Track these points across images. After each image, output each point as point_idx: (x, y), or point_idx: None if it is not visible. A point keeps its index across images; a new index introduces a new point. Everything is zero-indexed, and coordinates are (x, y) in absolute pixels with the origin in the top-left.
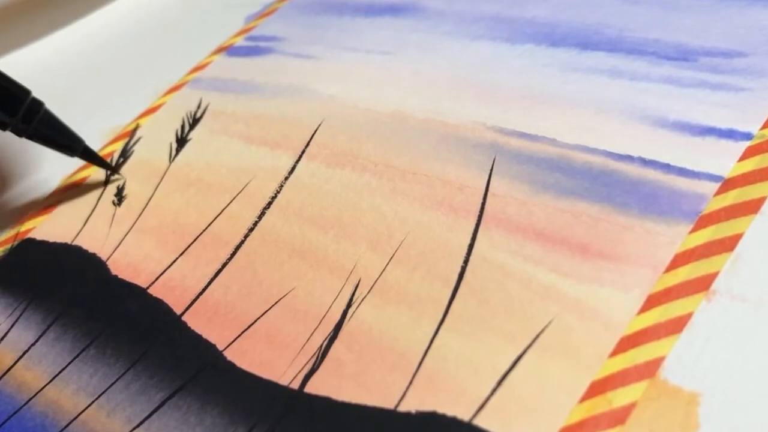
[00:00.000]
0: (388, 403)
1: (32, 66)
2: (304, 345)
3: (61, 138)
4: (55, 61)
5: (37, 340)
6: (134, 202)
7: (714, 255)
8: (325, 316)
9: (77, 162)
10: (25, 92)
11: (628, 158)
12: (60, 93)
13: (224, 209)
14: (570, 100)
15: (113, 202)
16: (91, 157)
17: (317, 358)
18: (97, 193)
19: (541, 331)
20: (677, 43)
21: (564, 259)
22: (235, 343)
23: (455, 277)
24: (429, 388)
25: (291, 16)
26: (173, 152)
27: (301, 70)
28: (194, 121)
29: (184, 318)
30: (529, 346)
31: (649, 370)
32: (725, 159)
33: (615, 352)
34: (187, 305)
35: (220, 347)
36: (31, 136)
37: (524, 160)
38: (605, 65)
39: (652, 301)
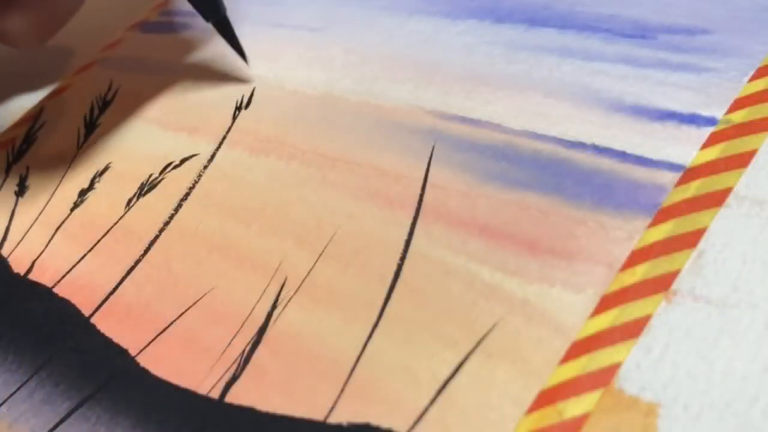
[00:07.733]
0: (317, 414)
1: None
2: (225, 350)
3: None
4: None
5: None
6: (38, 192)
7: (675, 252)
8: (247, 318)
9: None
10: None
11: (581, 146)
12: None
13: (137, 201)
14: (517, 81)
15: (15, 192)
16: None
17: (239, 364)
18: None
19: (485, 335)
20: (634, 19)
21: (510, 256)
22: (148, 347)
23: (391, 275)
24: (362, 398)
25: None
26: (81, 138)
27: (221, 48)
28: (104, 105)
29: (93, 320)
30: (472, 351)
31: (604, 378)
32: (687, 146)
33: (566, 359)
34: (96, 306)
35: (132, 352)
36: None
37: (466, 148)
38: (555, 43)
39: (606, 303)
